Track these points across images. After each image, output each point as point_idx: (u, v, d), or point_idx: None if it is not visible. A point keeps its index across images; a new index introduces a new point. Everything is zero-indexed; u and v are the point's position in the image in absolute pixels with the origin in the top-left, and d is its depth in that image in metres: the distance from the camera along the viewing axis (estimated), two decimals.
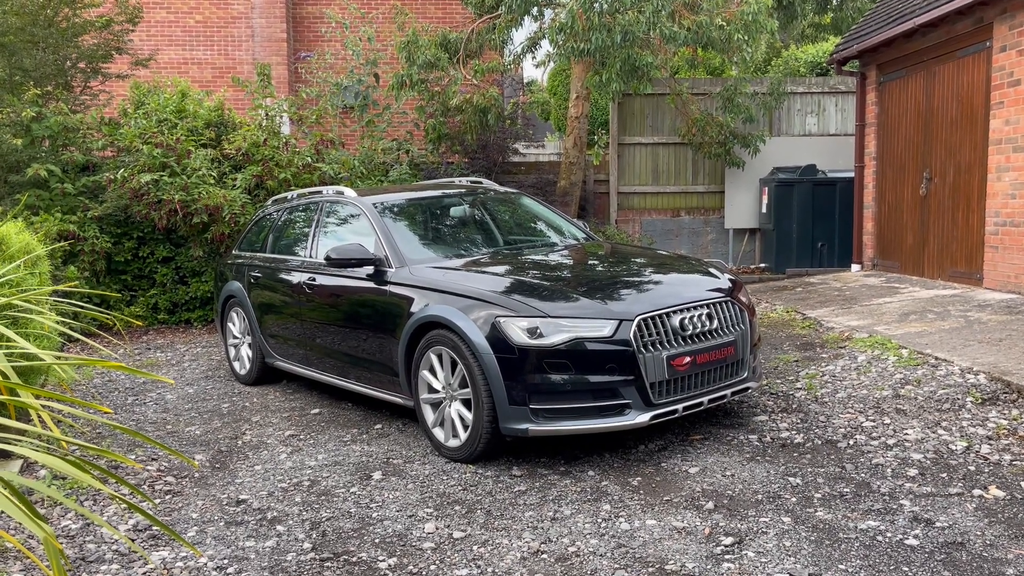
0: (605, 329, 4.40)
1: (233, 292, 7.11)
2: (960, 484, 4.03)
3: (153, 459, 5.12)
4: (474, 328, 4.54)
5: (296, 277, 6.17)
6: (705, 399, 4.65)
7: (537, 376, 4.37)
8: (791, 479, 4.21)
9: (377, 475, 4.63)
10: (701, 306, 4.71)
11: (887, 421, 4.90)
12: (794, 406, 5.33)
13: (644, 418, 4.41)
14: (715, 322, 4.71)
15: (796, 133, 12.72)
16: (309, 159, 10.53)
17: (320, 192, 6.56)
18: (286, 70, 14.82)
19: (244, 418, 6.00)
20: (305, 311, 6.09)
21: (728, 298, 4.88)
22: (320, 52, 12.34)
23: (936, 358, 5.87)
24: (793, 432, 4.87)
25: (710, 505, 3.96)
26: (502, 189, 6.76)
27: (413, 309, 4.96)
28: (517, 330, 4.41)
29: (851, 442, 4.65)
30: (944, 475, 4.15)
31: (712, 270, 5.29)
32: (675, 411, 4.52)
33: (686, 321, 4.58)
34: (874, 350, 6.37)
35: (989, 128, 8.12)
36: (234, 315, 7.18)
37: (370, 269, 5.43)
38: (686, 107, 11.95)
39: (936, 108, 9.20)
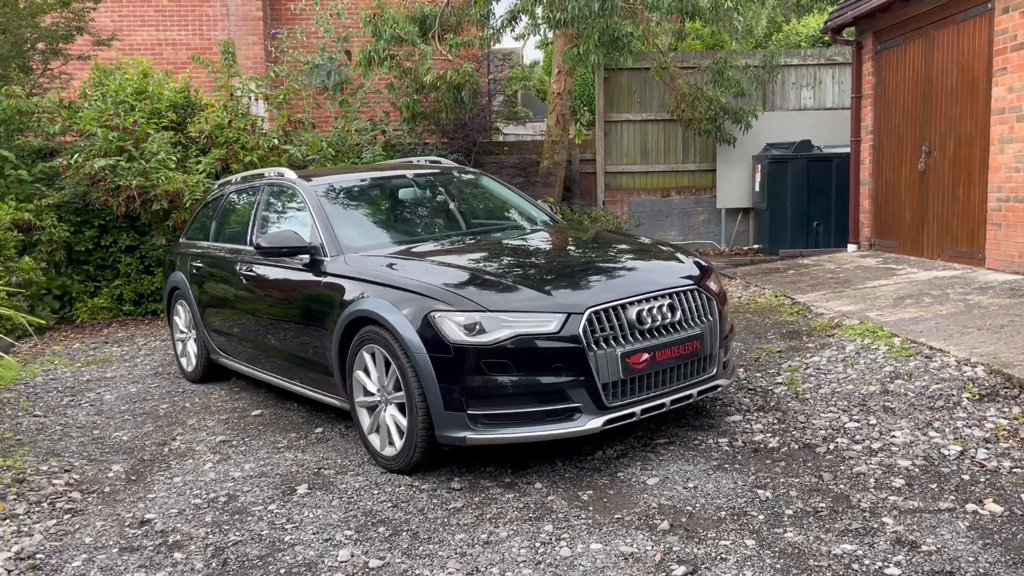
0: (551, 324, 3.90)
1: (177, 283, 6.64)
2: (952, 497, 3.54)
3: (66, 470, 4.66)
4: (407, 324, 4.05)
5: (235, 268, 5.69)
6: (667, 400, 4.15)
7: (475, 378, 3.89)
8: (760, 492, 3.72)
9: (302, 489, 4.16)
10: (662, 296, 4.21)
11: (873, 421, 4.40)
12: (772, 404, 4.84)
13: (596, 424, 3.92)
14: (678, 314, 4.21)
15: (791, 107, 12.15)
16: (276, 141, 10.03)
17: (262, 175, 6.07)
18: (262, 50, 14.26)
19: (179, 421, 5.54)
20: (244, 305, 5.61)
21: (695, 286, 4.37)
22: (291, 31, 11.77)
23: (931, 348, 5.36)
24: (768, 435, 4.38)
25: (665, 525, 3.47)
26: (465, 170, 6.24)
27: (346, 302, 4.47)
28: (453, 326, 3.92)
29: (831, 446, 4.15)
30: (934, 486, 3.66)
31: (680, 255, 4.78)
32: (632, 415, 4.03)
33: (644, 314, 4.08)
34: (864, 339, 5.86)
35: (991, 96, 7.56)
36: (179, 308, 6.72)
37: (306, 258, 4.94)
38: (674, 81, 11.40)
39: (935, 77, 8.63)
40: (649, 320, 4.09)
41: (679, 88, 11.33)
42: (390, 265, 4.55)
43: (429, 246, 4.94)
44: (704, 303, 4.37)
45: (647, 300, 4.14)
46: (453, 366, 3.91)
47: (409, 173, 5.88)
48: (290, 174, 5.66)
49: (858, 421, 4.42)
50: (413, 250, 4.82)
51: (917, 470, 3.82)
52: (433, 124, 11.33)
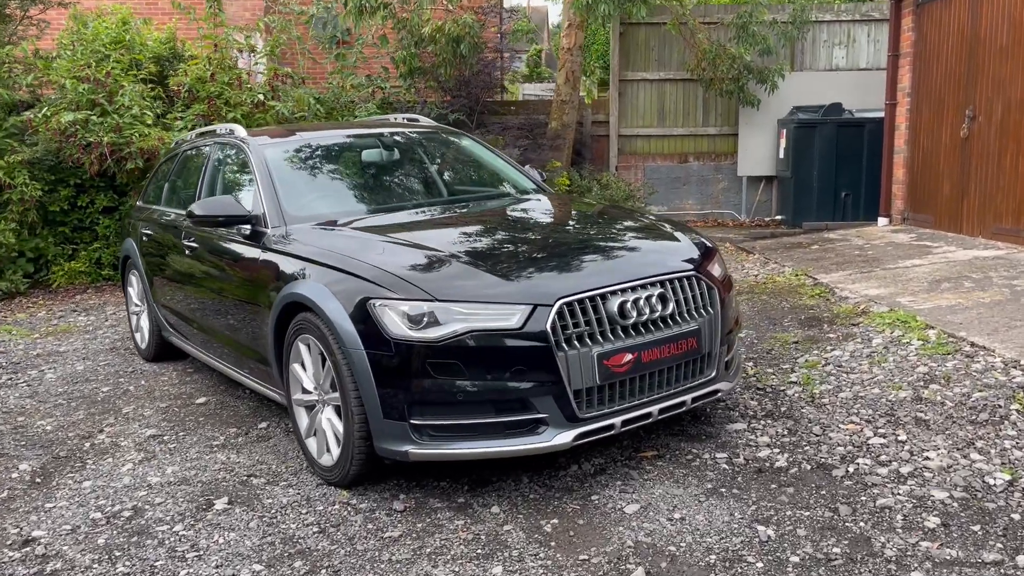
0: (513, 318, 3.21)
1: (128, 252, 6.02)
2: (999, 545, 2.84)
3: None
4: (342, 313, 3.38)
5: (179, 238, 5.04)
6: (654, 409, 3.46)
7: (420, 381, 3.22)
8: (761, 529, 3.04)
9: (221, 503, 3.53)
10: (652, 284, 3.50)
11: (902, 437, 3.69)
12: (783, 409, 4.13)
13: (564, 439, 3.25)
14: (671, 306, 3.50)
15: (821, 67, 11.23)
16: (262, 97, 9.34)
17: (214, 131, 5.38)
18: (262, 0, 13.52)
19: (115, 408, 4.93)
20: (188, 280, 4.97)
21: (694, 272, 3.65)
22: None
23: (972, 344, 4.61)
24: (775, 450, 3.68)
25: (639, 573, 2.80)
26: (446, 130, 5.51)
27: (283, 283, 3.81)
28: (394, 317, 3.24)
29: (851, 469, 3.45)
30: (976, 528, 2.95)
31: (679, 234, 4.05)
32: (610, 427, 3.35)
33: (628, 306, 3.37)
34: (894, 330, 5.11)
35: None
36: (132, 279, 6.10)
37: (247, 229, 4.28)
38: (694, 37, 10.53)
39: (983, 34, 7.73)
40: (634, 313, 3.39)
41: (700, 44, 10.47)
42: (336, 240, 3.88)
43: (388, 218, 4.25)
44: (704, 293, 3.66)
45: (633, 289, 3.44)
46: (394, 365, 3.24)
47: (380, 132, 5.17)
48: (240, 131, 4.97)
49: (884, 436, 3.71)
50: (367, 223, 4.13)
51: (956, 505, 3.12)
52: (433, 80, 10.58)
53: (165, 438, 4.39)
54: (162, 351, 5.83)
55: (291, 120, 9.25)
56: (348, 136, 5.07)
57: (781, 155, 10.85)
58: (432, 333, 3.19)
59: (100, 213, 9.38)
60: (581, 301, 3.31)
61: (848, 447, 3.64)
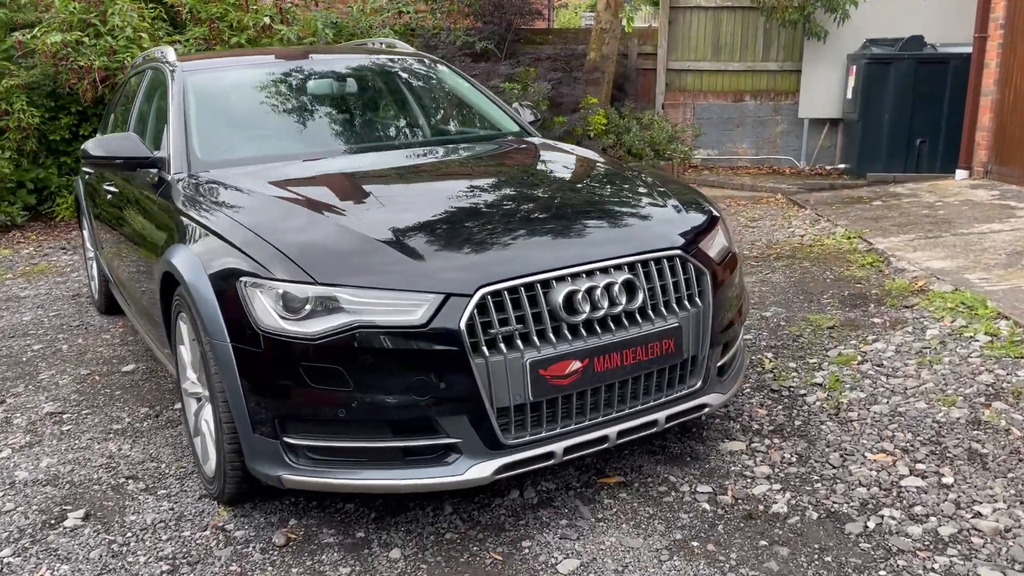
0: (416, 311, 2.41)
1: (78, 193, 5.37)
2: None
3: None
4: (209, 292, 2.63)
5: (102, 180, 4.36)
6: (611, 432, 2.65)
7: (296, 389, 2.46)
8: None
9: (76, 517, 2.87)
10: (617, 268, 2.65)
11: (948, 479, 2.79)
12: (797, 423, 3.26)
13: (482, 471, 2.47)
14: (639, 297, 2.65)
15: None
16: (268, 19, 8.55)
17: (154, 57, 4.62)
18: None
19: (32, 373, 4.33)
20: (110, 229, 4.29)
21: (678, 252, 2.78)
22: None
23: None
24: (776, 486, 2.83)
25: None
26: (422, 58, 4.63)
27: (167, 246, 3.06)
28: (266, 303, 2.47)
29: (872, 524, 2.59)
30: None
31: (669, 199, 3.15)
32: (548, 456, 2.55)
33: (579, 296, 2.53)
34: (956, 317, 4.15)
35: None
36: (84, 222, 5.46)
37: (155, 175, 3.54)
38: None
39: None
40: (586, 307, 2.55)
41: None
42: (230, 194, 3.10)
43: (315, 167, 3.44)
44: (691, 278, 2.79)
45: (589, 275, 2.59)
46: (263, 366, 2.49)
47: (337, 60, 4.33)
48: (170, 54, 4.20)
49: (923, 476, 2.82)
50: (285, 172, 3.33)
51: None
52: (464, 3, 9.63)
53: (65, 417, 3.75)
54: (112, 303, 5.20)
55: (300, 45, 8.46)
56: (297, 64, 4.24)
57: (849, 95, 9.61)
58: (310, 327, 2.42)
59: None
60: (514, 290, 2.48)
61: (873, 488, 2.77)
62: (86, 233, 5.52)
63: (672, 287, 2.73)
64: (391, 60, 4.43)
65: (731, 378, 3.04)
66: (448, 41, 9.34)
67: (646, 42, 10.51)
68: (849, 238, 6.11)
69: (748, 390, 3.59)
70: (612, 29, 9.44)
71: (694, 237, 2.89)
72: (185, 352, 3.03)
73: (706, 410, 2.87)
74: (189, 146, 3.49)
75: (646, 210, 3.03)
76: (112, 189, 4.12)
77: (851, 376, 3.63)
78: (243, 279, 2.53)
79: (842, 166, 9.84)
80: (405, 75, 4.38)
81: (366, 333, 2.39)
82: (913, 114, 9.09)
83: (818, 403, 3.41)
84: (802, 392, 3.53)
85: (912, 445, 3.01)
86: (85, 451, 3.39)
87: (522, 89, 8.67)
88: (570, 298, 2.53)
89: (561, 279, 2.55)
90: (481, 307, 2.43)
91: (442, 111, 4.33)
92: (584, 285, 2.56)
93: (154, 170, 3.54)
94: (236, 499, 2.84)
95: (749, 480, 2.87)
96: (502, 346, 2.44)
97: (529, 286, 2.50)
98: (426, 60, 4.56)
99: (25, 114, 8.22)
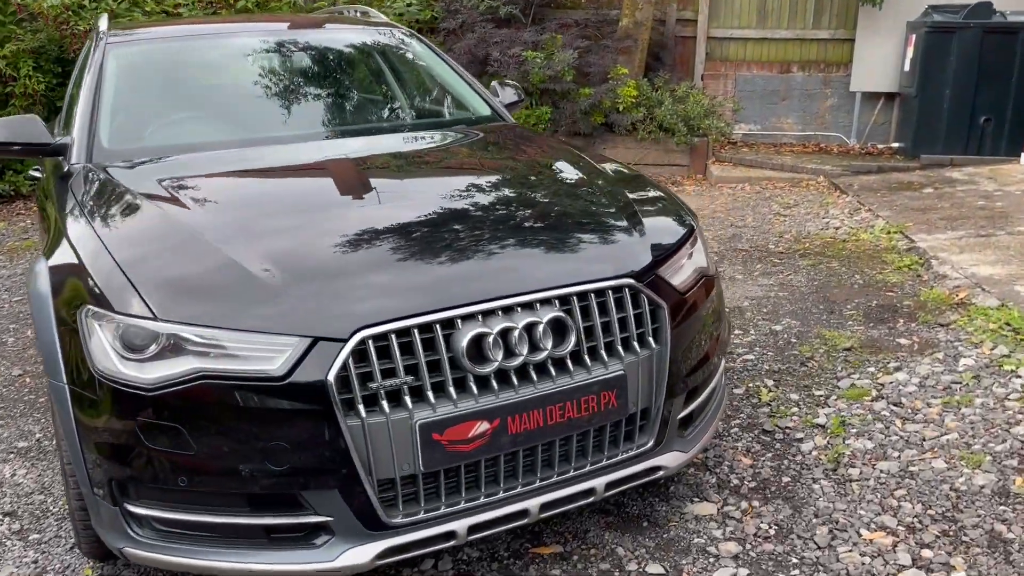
0: (276, 359, 1.93)
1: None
2: None
3: None
4: (51, 322, 2.19)
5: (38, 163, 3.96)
6: (532, 505, 2.15)
7: (136, 447, 2.00)
8: None
9: None
10: (544, 303, 2.12)
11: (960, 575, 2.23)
12: (785, 480, 2.71)
13: (359, 557, 2.00)
14: (570, 339, 2.12)
15: None
16: None
17: (96, 25, 4.18)
18: None
19: None
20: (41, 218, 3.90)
21: (626, 282, 2.23)
22: None
23: None
24: (743, 571, 2.30)
25: None
26: (395, 29, 4.09)
27: (41, 256, 2.63)
28: (104, 340, 2.02)
29: None
30: None
31: (635, 212, 2.57)
32: (448, 536, 2.07)
33: (490, 340, 2.02)
34: (997, 343, 3.51)
35: None
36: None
37: (62, 163, 3.12)
38: None
39: None
40: (499, 354, 2.03)
41: None
42: (113, 195, 2.65)
43: (224, 160, 2.94)
44: (643, 314, 2.24)
45: (505, 312, 2.08)
46: (100, 417, 2.04)
47: (287, 32, 3.83)
48: (102, 22, 3.76)
49: (929, 568, 2.26)
50: (185, 167, 2.86)
51: None
52: None
53: None
54: None
55: (304, 10, 7.99)
56: (237, 38, 3.73)
57: (907, 67, 8.76)
58: (148, 373, 1.96)
59: None
60: (404, 332, 1.98)
61: None
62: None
63: (617, 325, 2.20)
64: (362, 32, 3.91)
65: (699, 430, 2.49)
66: (470, 6, 8.76)
67: (686, 7, 9.74)
68: (889, 233, 5.43)
69: (736, 429, 3.04)
70: None
71: (654, 261, 2.34)
72: None
73: (660, 474, 2.34)
74: (94, 132, 3.05)
75: (596, 225, 2.47)
76: (36, 175, 3.72)
77: (860, 417, 3.05)
78: (85, 308, 2.08)
79: (896, 145, 9.02)
80: (364, 51, 3.86)
81: (212, 384, 1.92)
82: (977, 89, 8.23)
83: (815, 453, 2.85)
84: (798, 436, 2.96)
85: (921, 521, 2.44)
86: None
87: (546, 58, 8.07)
88: (478, 342, 2.02)
89: (468, 318, 2.04)
90: (360, 353, 1.94)
91: (402, 93, 3.80)
92: (498, 325, 2.04)
93: (59, 158, 3.11)
94: (101, 556, 2.42)
95: (711, 560, 2.34)
96: (385, 403, 1.95)
97: (425, 327, 2.00)
98: (396, 33, 4.03)
99: (31, 80, 7.95)
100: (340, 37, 3.84)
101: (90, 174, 2.82)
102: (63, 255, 2.34)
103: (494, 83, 3.93)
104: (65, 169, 2.97)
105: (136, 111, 3.27)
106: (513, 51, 8.14)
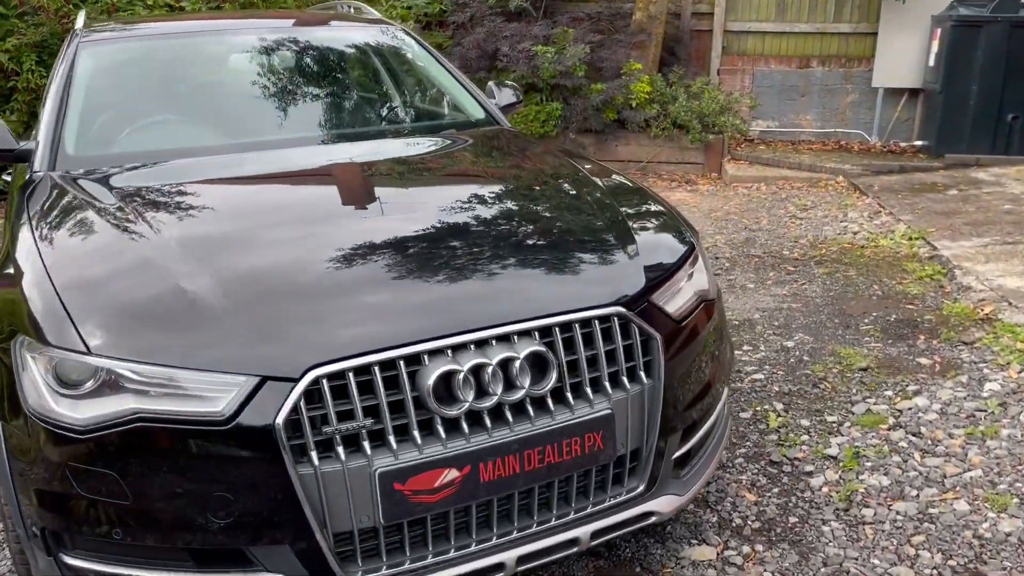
0: (219, 400, 1.74)
1: None
2: None
3: None
4: None
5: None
6: (510, 557, 1.94)
7: (70, 494, 1.82)
8: None
9: None
10: (518, 336, 1.92)
11: None
12: (792, 521, 2.49)
13: None
14: (551, 376, 1.92)
15: None
16: None
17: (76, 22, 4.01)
18: None
19: None
20: None
21: (615, 311, 2.02)
22: None
23: None
24: None
25: None
26: (386, 26, 3.89)
27: (3, 267, 2.46)
28: (37, 375, 1.84)
29: None
30: None
31: (627, 233, 2.35)
32: None
33: (460, 379, 1.82)
34: None
35: None
36: None
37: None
38: None
39: None
40: (470, 393, 1.84)
41: None
42: (68, 209, 2.46)
43: (190, 169, 2.75)
44: (634, 345, 2.03)
45: (477, 347, 1.87)
46: (31, 459, 1.86)
47: (270, 30, 3.63)
48: (79, 19, 3.60)
49: None
50: (149, 177, 2.68)
51: None
52: None
53: None
54: None
55: (308, 3, 7.81)
56: (224, 32, 3.55)
57: (931, 62, 8.46)
58: (81, 412, 1.77)
59: None
60: (364, 370, 1.78)
61: None
62: None
63: (605, 359, 1.99)
64: (340, 32, 3.72)
65: (696, 469, 2.28)
66: None
67: (701, 0, 9.48)
68: (910, 239, 5.18)
69: (740, 459, 2.82)
70: None
71: (647, 287, 2.13)
72: None
73: (652, 520, 2.14)
74: (59, 136, 2.88)
75: (584, 246, 2.25)
76: (6, 178, 3.55)
77: (875, 449, 2.82)
78: (20, 338, 1.90)
79: (919, 143, 8.72)
80: (351, 51, 3.66)
81: (150, 427, 1.73)
82: (1005, 85, 7.92)
83: (825, 489, 2.63)
84: (808, 469, 2.75)
85: (941, 574, 2.21)
86: None
87: (557, 52, 7.84)
88: (447, 380, 1.82)
89: (436, 353, 1.84)
90: (313, 394, 1.75)
91: (386, 95, 3.60)
92: (469, 362, 1.84)
93: (23, 165, 2.94)
94: None
95: None
96: (341, 450, 1.76)
97: (387, 364, 1.80)
98: (388, 31, 3.82)
99: (34, 75, 7.83)
100: (326, 35, 3.64)
101: (49, 184, 2.64)
102: (8, 276, 2.16)
103: (491, 83, 3.72)
104: (27, 177, 2.80)
105: (107, 115, 3.09)
106: (523, 45, 7.92)
